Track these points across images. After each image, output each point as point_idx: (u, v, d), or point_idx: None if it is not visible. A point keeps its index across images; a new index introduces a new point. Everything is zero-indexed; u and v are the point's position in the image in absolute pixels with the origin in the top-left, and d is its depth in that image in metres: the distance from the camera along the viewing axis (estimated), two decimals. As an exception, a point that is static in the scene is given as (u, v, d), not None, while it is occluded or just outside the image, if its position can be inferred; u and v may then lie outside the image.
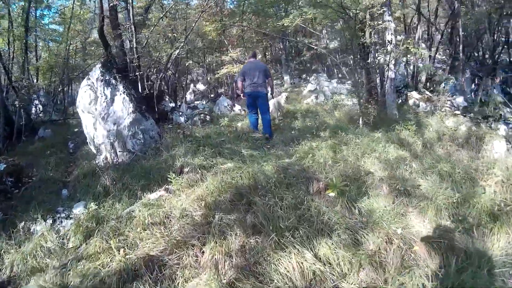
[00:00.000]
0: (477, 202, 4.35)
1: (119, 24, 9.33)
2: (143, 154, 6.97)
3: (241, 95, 7.81)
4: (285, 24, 10.79)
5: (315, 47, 13.56)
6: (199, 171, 5.18)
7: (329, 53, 13.53)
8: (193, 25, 9.67)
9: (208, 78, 24.11)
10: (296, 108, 10.41)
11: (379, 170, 5.24)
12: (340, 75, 15.91)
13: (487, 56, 17.18)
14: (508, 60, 16.94)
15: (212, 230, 3.70)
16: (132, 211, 4.32)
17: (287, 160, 5.53)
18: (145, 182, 5.38)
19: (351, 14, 7.93)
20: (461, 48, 12.00)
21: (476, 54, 16.61)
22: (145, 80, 8.56)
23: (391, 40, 8.39)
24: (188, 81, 25.80)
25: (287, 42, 21.55)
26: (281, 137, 6.94)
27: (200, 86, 24.91)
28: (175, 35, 18.45)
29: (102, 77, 7.42)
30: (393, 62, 8.41)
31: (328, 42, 16.36)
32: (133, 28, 8.36)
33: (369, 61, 8.95)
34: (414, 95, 10.64)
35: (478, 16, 13.75)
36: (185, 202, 4.38)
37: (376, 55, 9.02)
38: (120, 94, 7.90)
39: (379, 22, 8.15)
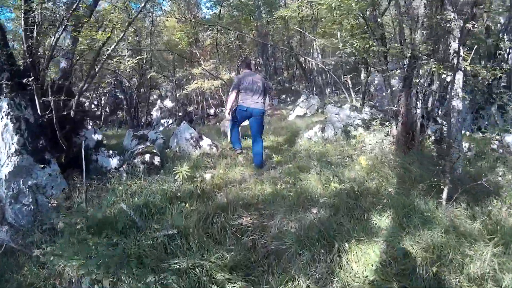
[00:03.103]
0: None
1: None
2: (22, 247, 3.34)
3: (228, 111, 5.67)
4: (286, 15, 7.29)
5: (313, 61, 10.06)
6: None
7: (328, 69, 10.17)
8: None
9: (177, 95, 20.32)
10: (293, 144, 6.68)
11: None
12: (337, 97, 12.43)
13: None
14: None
15: None
16: None
17: None
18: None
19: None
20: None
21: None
22: (49, 92, 4.58)
23: (459, 50, 4.87)
24: (156, 96, 22.03)
25: (267, 58, 18.13)
26: (296, 221, 3.19)
27: (168, 103, 20.99)
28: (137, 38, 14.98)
29: (-23, 83, 3.87)
30: (460, 84, 4.86)
31: (321, 56, 12.86)
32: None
33: (417, 80, 5.39)
34: (454, 131, 7.16)
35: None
36: None
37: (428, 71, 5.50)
38: (1, 117, 4.19)
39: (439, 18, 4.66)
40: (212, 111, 18.65)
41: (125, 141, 6.76)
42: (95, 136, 5.22)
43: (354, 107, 7.16)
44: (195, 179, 4.52)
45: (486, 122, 10.48)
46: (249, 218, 3.30)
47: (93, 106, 19.97)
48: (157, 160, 5.09)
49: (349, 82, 11.29)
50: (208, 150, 6.02)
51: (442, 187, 3.55)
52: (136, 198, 3.93)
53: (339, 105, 7.14)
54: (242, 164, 5.41)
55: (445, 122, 7.35)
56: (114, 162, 4.94)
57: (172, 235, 2.94)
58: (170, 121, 18.40)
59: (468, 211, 3.72)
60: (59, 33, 5.24)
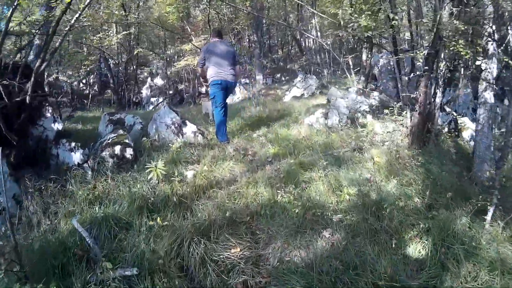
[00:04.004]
0: None
1: None
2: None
3: (205, 85, 5.74)
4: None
5: (313, 37, 9.08)
6: None
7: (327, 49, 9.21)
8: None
9: (168, 72, 19.18)
10: (289, 133, 5.70)
11: None
12: (340, 79, 11.45)
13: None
14: None
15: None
16: None
17: None
18: None
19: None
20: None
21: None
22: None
23: (493, 33, 3.99)
24: (146, 74, 20.87)
25: (262, 35, 16.96)
26: (302, 249, 2.35)
27: (159, 81, 19.86)
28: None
29: None
30: (494, 72, 3.97)
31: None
32: None
33: (440, 66, 4.48)
34: (468, 124, 6.23)
35: None
36: None
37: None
38: None
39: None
40: (203, 89, 17.63)
41: (100, 126, 5.80)
42: (55, 125, 4.25)
43: (361, 91, 6.21)
44: (172, 178, 3.60)
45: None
46: (238, 250, 2.42)
47: (81, 85, 18.82)
48: (129, 152, 4.14)
49: (350, 62, 10.32)
50: (193, 139, 5.09)
51: (489, 207, 2.68)
52: (97, 208, 3.03)
53: (344, 87, 6.19)
54: (232, 157, 4.49)
55: (454, 113, 6.40)
56: (77, 156, 4.00)
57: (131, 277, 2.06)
58: (161, 100, 17.39)
59: (507, 232, 2.89)
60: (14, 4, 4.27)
